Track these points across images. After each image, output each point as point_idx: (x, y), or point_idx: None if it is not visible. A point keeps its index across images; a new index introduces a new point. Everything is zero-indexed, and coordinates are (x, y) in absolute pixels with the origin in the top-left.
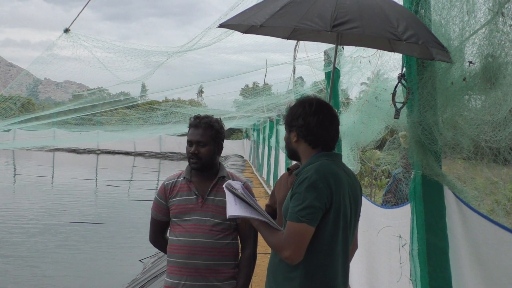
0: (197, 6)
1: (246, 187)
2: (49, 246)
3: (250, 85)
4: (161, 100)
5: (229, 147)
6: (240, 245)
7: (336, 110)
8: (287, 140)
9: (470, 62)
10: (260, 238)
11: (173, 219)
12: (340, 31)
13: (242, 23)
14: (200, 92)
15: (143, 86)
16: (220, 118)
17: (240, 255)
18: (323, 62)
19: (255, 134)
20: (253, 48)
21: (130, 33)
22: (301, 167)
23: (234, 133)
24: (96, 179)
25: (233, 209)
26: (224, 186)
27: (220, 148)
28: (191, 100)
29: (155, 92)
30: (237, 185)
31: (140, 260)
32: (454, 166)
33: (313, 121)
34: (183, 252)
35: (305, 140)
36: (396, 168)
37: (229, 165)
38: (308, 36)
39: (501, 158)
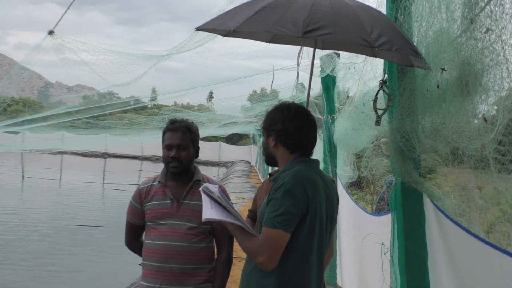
0: (209, 12)
1: (222, 190)
2: (52, 247)
3: (258, 91)
4: (170, 105)
5: (237, 153)
6: (215, 249)
7: (331, 116)
8: (265, 145)
9: (443, 69)
10: (236, 243)
11: (148, 223)
12: (311, 37)
13: (217, 27)
14: (210, 97)
15: (153, 91)
16: (193, 121)
17: (215, 259)
18: (320, 68)
19: (261, 140)
20: (263, 54)
21: (142, 37)
22: (278, 173)
23: (242, 139)
24: (103, 183)
25: (209, 212)
26: (200, 189)
27: (197, 151)
28: (200, 105)
29: (164, 93)
30: (214, 188)
31: (139, 264)
32: (463, 175)
33: (291, 125)
34: (159, 256)
35: (283, 144)
36: (390, 175)
37: (235, 171)
38: (289, 41)
39: (472, 166)
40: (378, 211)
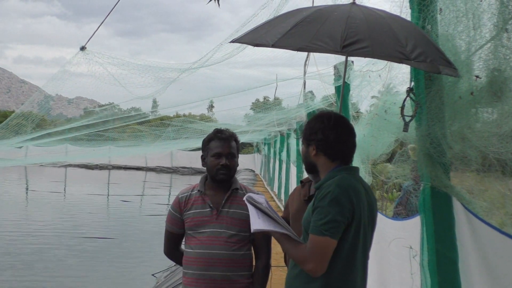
0: (208, 22)
1: None
2: (61, 261)
3: (261, 100)
4: (172, 115)
5: (240, 161)
6: (253, 255)
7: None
8: (305, 154)
9: (477, 77)
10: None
11: (188, 232)
12: (349, 51)
13: (254, 41)
14: (211, 106)
15: (154, 102)
16: None
17: (254, 265)
18: (333, 76)
19: (266, 148)
20: (264, 63)
21: (141, 48)
22: (322, 181)
23: (245, 147)
24: (108, 194)
25: (257, 223)
26: (245, 199)
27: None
28: (201, 115)
29: (166, 107)
30: (260, 198)
31: (152, 275)
32: (465, 179)
33: (332, 134)
34: (200, 264)
35: (324, 153)
36: (406, 181)
37: (240, 179)
38: (317, 49)
39: (508, 169)
40: (396, 216)
